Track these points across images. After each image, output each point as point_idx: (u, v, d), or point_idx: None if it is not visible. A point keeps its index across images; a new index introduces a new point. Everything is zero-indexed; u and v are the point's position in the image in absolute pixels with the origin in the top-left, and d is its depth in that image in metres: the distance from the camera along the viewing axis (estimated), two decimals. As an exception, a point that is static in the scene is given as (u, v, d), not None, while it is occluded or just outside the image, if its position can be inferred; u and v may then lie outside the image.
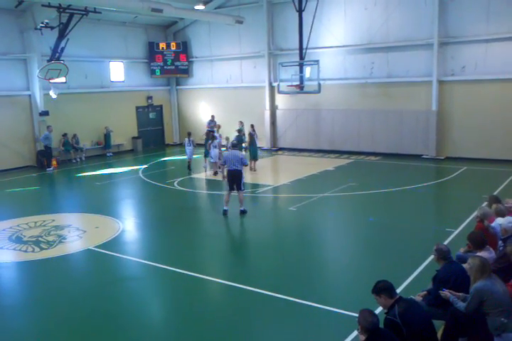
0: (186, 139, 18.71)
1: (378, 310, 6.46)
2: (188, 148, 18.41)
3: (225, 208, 12.05)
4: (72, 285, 8.19)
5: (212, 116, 22.71)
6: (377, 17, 20.14)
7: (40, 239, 10.50)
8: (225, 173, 12.26)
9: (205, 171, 18.10)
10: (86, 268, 9.22)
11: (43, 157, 20.11)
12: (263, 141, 23.73)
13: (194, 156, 18.94)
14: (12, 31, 19.61)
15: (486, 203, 8.96)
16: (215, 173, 17.41)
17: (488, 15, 17.88)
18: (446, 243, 8.83)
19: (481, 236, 6.51)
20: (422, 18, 19.14)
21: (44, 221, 11.90)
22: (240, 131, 18.75)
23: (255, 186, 15.41)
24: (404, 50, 19.85)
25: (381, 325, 4.62)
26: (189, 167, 18.45)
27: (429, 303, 5.73)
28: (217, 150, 16.94)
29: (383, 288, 4.90)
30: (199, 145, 20.29)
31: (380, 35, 20.22)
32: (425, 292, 6.05)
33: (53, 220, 12.02)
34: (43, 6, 17.49)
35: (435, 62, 18.98)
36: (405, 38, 19.65)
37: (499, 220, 7.28)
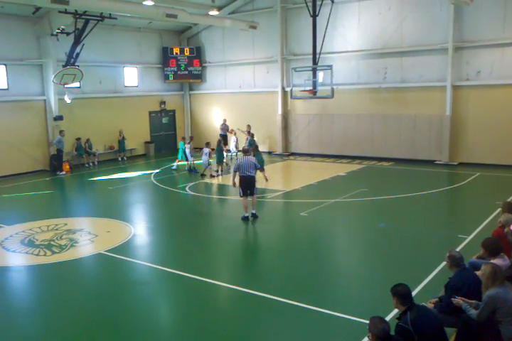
0: (206, 149, 18.36)
1: (389, 317, 6.40)
2: (204, 157, 18.28)
3: (245, 215, 11.99)
4: (82, 289, 8.22)
5: (224, 120, 22.82)
6: (391, 22, 20.06)
7: (52, 242, 10.56)
8: (236, 180, 12.12)
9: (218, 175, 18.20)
10: (97, 273, 9.26)
11: (56, 161, 20.30)
12: (275, 146, 23.80)
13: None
14: (29, 37, 19.89)
15: (499, 210, 8.82)
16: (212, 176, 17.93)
17: (505, 20, 17.70)
18: (458, 249, 8.70)
19: (496, 243, 6.41)
20: (437, 23, 19.02)
21: (56, 225, 11.98)
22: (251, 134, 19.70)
23: (267, 191, 15.38)
24: (418, 54, 19.73)
25: (392, 332, 4.56)
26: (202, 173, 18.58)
27: (441, 310, 5.65)
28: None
29: (398, 294, 4.91)
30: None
31: (393, 39, 20.13)
32: (437, 299, 5.97)
33: (65, 224, 12.10)
34: (59, 12, 17.75)
35: (450, 66, 18.83)
36: (419, 43, 19.53)
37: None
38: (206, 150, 18.14)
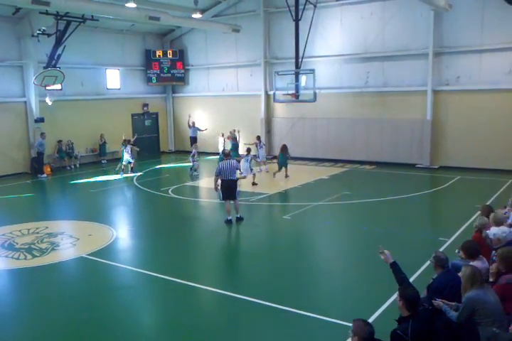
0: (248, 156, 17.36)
1: (372, 319, 6.47)
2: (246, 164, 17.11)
3: (228, 218, 11.99)
4: (64, 293, 8.13)
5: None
6: (373, 27, 20.31)
7: (32, 246, 10.44)
8: (218, 184, 12.08)
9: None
10: (78, 276, 9.16)
11: (37, 164, 20.06)
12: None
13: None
14: (9, 38, 19.62)
15: (479, 213, 8.97)
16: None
17: (483, 27, 18.05)
18: (439, 252, 8.82)
19: (474, 246, 6.50)
20: (418, 28, 19.30)
21: (37, 228, 11.84)
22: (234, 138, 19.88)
23: (250, 194, 15.40)
24: (400, 59, 19.99)
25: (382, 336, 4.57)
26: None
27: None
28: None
29: (407, 298, 4.70)
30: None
31: (375, 44, 20.37)
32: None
33: (46, 227, 11.96)
34: (40, 13, 17.57)
35: (430, 71, 19.12)
36: (401, 48, 19.79)
37: (493, 230, 7.30)
38: (248, 157, 17.06)
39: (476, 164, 18.68)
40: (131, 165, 19.53)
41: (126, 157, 19.17)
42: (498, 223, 7.49)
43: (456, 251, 6.65)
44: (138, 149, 20.89)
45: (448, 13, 18.31)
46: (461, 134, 19.05)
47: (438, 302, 5.45)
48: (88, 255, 9.84)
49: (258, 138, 19.87)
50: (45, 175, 19.78)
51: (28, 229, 11.73)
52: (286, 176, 18.05)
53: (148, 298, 8.04)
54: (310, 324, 6.78)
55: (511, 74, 17.79)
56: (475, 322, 5.04)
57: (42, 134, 19.94)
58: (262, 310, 7.23)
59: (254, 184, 16.68)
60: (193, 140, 23.97)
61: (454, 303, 5.39)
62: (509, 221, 8.89)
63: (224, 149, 17.03)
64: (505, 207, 9.65)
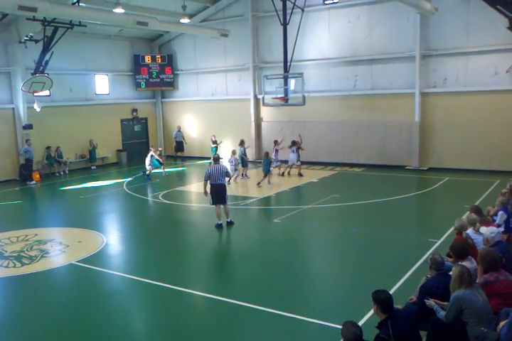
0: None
1: (362, 321, 6.49)
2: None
3: (219, 222, 11.98)
4: (54, 301, 8.08)
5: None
6: (361, 30, 20.46)
7: (22, 254, 10.35)
8: (208, 188, 12.05)
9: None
10: (68, 284, 9.11)
11: (25, 170, 19.92)
12: (248, 153, 23.80)
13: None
14: (-4, 44, 19.55)
15: (467, 213, 9.05)
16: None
17: (468, 29, 18.26)
18: (428, 253, 8.88)
19: (462, 247, 6.55)
20: (405, 31, 19.48)
21: (26, 235, 11.75)
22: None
23: (240, 198, 15.41)
24: (388, 62, 20.15)
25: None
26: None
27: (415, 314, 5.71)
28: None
29: (380, 301, 4.82)
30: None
31: (363, 47, 20.51)
32: (414, 298, 6.05)
33: (36, 234, 11.87)
34: (27, 19, 17.46)
35: (417, 74, 19.29)
36: (388, 51, 19.95)
37: (482, 230, 7.37)
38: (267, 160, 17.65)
39: (464, 165, 18.83)
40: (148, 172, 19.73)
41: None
42: (472, 224, 7.60)
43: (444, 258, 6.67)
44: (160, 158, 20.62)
45: (434, 17, 18.49)
46: (449, 136, 19.22)
47: (430, 301, 5.49)
48: (78, 262, 9.78)
49: (276, 142, 19.54)
50: (34, 182, 19.64)
51: (17, 237, 11.63)
52: (269, 183, 17.57)
53: (139, 304, 8.00)
54: (302, 327, 6.78)
55: (497, 76, 18.01)
56: (463, 321, 5.08)
57: (27, 141, 19.83)
58: (254, 314, 7.22)
59: (259, 184, 17.25)
60: (179, 145, 24.45)
61: (446, 303, 5.42)
62: (497, 221, 9.01)
63: (214, 154, 17.07)
64: (493, 207, 9.75)
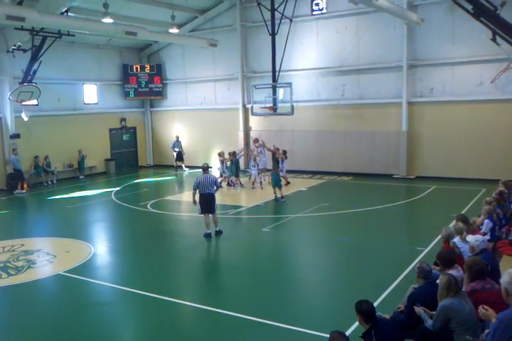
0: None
1: (350, 330, 6.51)
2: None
3: (208, 232, 11.97)
4: (41, 312, 7.99)
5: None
6: (349, 40, 20.69)
7: (8, 264, 10.24)
8: (196, 198, 12.04)
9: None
10: (56, 294, 9.02)
11: (13, 180, 19.76)
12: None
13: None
14: (-17, 54, 19.44)
15: (454, 222, 9.13)
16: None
17: (454, 40, 18.56)
18: (416, 262, 8.95)
19: (449, 255, 6.61)
20: (392, 42, 19.75)
21: (13, 246, 11.63)
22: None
23: (228, 207, 15.40)
24: (375, 72, 20.37)
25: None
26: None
27: (402, 323, 5.73)
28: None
29: (362, 312, 4.89)
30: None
31: (351, 57, 20.73)
32: (403, 306, 6.07)
33: (23, 245, 11.76)
34: (15, 29, 17.43)
35: (404, 84, 19.52)
36: (376, 61, 20.19)
37: (468, 238, 7.44)
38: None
39: (451, 174, 19.03)
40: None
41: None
42: (459, 233, 7.69)
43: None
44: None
45: (420, 27, 18.75)
46: (435, 144, 19.42)
47: (419, 309, 5.50)
48: (65, 272, 9.70)
49: (284, 152, 19.50)
50: (21, 191, 19.47)
51: (3, 247, 11.51)
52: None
53: (127, 315, 7.95)
54: (291, 337, 6.77)
55: (482, 86, 18.27)
56: (450, 330, 5.11)
57: (14, 150, 19.70)
58: (243, 323, 7.20)
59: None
60: (179, 155, 24.27)
61: (433, 312, 5.44)
62: (482, 229, 9.10)
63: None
64: (479, 216, 9.85)
